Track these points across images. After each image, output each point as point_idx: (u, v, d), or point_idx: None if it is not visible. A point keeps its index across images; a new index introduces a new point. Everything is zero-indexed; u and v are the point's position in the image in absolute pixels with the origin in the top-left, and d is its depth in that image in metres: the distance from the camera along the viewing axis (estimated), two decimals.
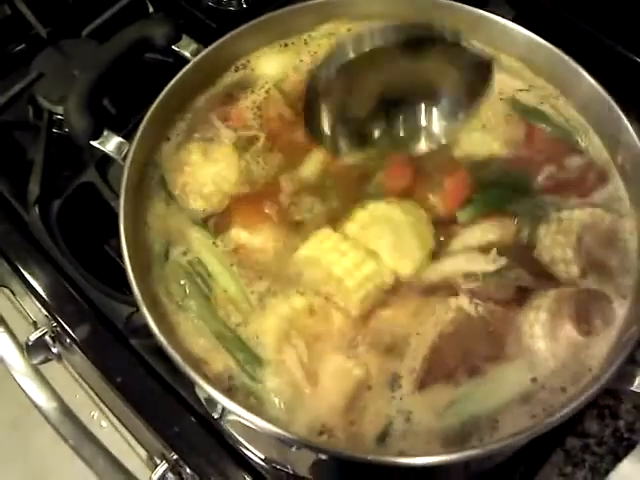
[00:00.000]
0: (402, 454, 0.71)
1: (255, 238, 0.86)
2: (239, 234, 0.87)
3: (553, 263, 0.83)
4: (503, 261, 0.82)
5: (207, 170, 0.91)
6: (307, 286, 0.82)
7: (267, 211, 0.88)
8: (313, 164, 0.93)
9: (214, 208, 0.90)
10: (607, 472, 0.90)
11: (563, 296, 0.80)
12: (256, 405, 0.76)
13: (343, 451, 0.69)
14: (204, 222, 0.89)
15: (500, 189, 0.89)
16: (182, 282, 0.84)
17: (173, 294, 0.84)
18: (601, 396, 0.94)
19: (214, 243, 0.87)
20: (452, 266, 0.84)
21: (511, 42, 0.99)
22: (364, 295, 0.80)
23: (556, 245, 0.83)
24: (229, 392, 0.76)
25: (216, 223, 0.89)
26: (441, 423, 0.74)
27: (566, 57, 0.94)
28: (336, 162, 0.93)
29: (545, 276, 0.83)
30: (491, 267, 0.82)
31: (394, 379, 0.77)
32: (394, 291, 0.82)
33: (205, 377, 0.73)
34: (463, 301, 0.81)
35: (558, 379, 0.76)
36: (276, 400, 0.76)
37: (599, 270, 0.83)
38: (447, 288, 0.82)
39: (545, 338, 0.78)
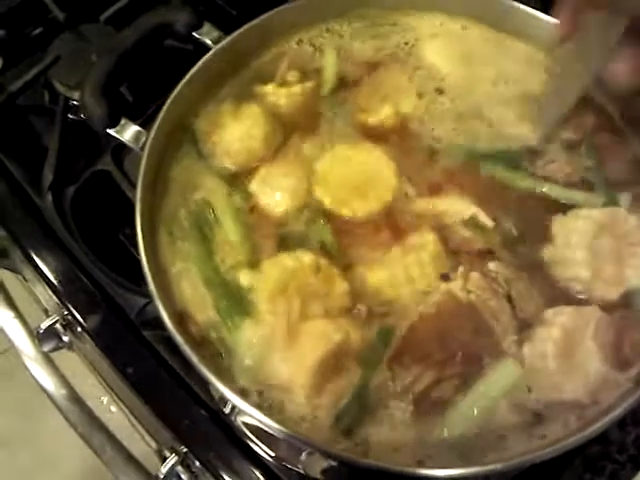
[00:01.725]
0: (366, 442, 0.70)
1: (272, 197, 0.88)
2: (258, 191, 0.89)
3: (563, 265, 0.79)
4: (491, 223, 0.82)
5: (234, 129, 0.93)
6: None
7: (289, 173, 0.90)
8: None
9: (240, 166, 0.91)
10: None
11: (584, 316, 0.75)
12: (226, 355, 0.76)
13: (359, 459, 0.67)
14: (229, 176, 0.91)
15: None
16: (184, 218, 0.86)
17: (174, 235, 0.85)
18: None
19: (230, 194, 0.89)
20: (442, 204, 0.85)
21: (541, 32, 0.97)
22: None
23: (567, 245, 0.79)
24: (202, 341, 0.77)
25: (239, 180, 0.91)
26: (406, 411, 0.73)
27: None
28: None
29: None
30: (471, 210, 0.83)
31: (372, 353, 0.76)
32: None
33: (218, 374, 0.71)
34: (454, 285, 0.78)
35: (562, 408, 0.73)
36: (248, 352, 0.76)
37: (616, 278, 0.78)
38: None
39: (555, 359, 0.72)
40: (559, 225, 0.82)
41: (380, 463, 0.66)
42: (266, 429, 0.68)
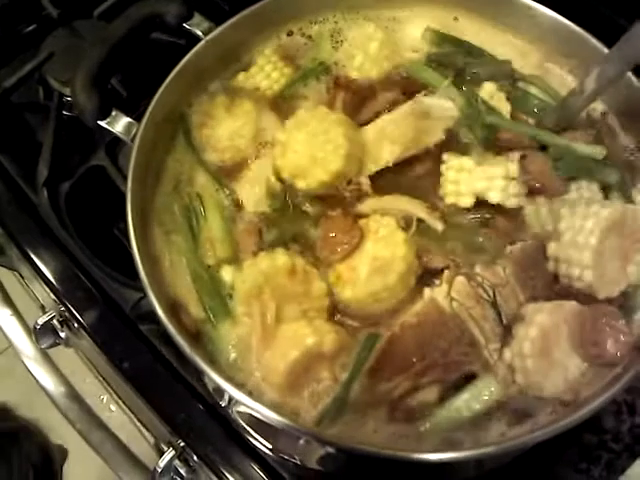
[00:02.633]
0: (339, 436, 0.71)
1: (253, 193, 0.88)
2: (240, 188, 0.89)
3: (568, 263, 0.77)
4: (440, 226, 0.81)
5: (226, 125, 0.94)
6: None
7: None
8: None
9: (227, 162, 0.92)
10: (624, 470, 0.88)
11: (562, 312, 0.74)
12: (212, 349, 0.78)
13: (355, 445, 0.67)
14: (215, 172, 0.91)
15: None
16: (176, 211, 0.88)
17: (165, 224, 0.87)
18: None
19: (217, 189, 0.90)
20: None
21: (534, 22, 0.98)
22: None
23: (575, 245, 0.76)
24: (197, 333, 0.78)
25: (225, 175, 0.91)
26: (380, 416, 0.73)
27: (597, 42, 0.93)
28: None
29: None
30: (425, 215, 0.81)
31: (350, 360, 0.76)
32: None
33: (214, 366, 0.72)
34: (438, 293, 0.77)
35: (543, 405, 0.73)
36: (229, 349, 0.78)
37: (618, 276, 0.77)
38: None
39: (533, 358, 0.72)
40: (566, 222, 0.79)
41: (371, 449, 0.66)
42: (262, 418, 0.69)
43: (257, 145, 0.93)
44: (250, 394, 0.71)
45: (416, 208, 0.84)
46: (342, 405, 0.73)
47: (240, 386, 0.73)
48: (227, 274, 0.82)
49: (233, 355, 0.77)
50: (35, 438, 1.14)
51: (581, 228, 0.77)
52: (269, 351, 0.75)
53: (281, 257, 0.78)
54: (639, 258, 0.78)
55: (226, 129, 0.93)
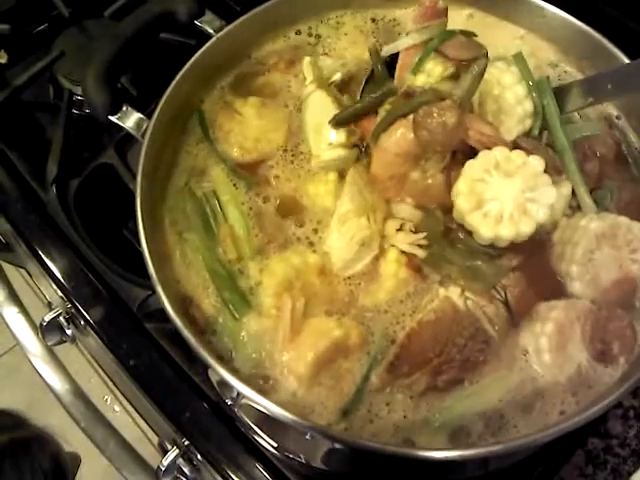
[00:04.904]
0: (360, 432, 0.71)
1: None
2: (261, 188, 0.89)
3: (560, 274, 0.80)
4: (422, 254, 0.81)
5: (256, 125, 0.93)
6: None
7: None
8: None
9: (248, 159, 0.92)
10: (629, 475, 0.88)
11: (575, 310, 0.76)
12: (230, 342, 0.78)
13: (358, 441, 0.67)
14: (234, 166, 0.91)
15: None
16: (189, 209, 0.87)
17: (177, 223, 0.86)
18: (626, 396, 0.91)
19: (235, 185, 0.89)
20: None
21: (546, 23, 0.98)
22: None
23: (564, 257, 0.79)
24: (208, 333, 0.79)
25: (245, 170, 0.91)
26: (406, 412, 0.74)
27: (608, 43, 0.92)
28: None
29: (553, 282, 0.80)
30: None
31: (371, 354, 0.77)
32: None
33: (219, 358, 0.72)
34: (452, 292, 0.78)
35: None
36: (251, 341, 0.78)
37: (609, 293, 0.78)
38: None
39: (550, 353, 0.74)
40: (559, 233, 0.82)
41: (377, 445, 0.66)
42: (267, 413, 0.69)
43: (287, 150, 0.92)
44: (266, 386, 0.72)
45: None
46: (362, 399, 0.75)
47: (264, 378, 0.75)
48: (250, 268, 0.83)
49: (255, 348, 0.78)
50: (48, 447, 1.14)
51: (569, 240, 0.79)
52: (294, 343, 0.76)
53: (312, 255, 0.81)
54: (634, 268, 0.78)
55: (255, 127, 0.93)
